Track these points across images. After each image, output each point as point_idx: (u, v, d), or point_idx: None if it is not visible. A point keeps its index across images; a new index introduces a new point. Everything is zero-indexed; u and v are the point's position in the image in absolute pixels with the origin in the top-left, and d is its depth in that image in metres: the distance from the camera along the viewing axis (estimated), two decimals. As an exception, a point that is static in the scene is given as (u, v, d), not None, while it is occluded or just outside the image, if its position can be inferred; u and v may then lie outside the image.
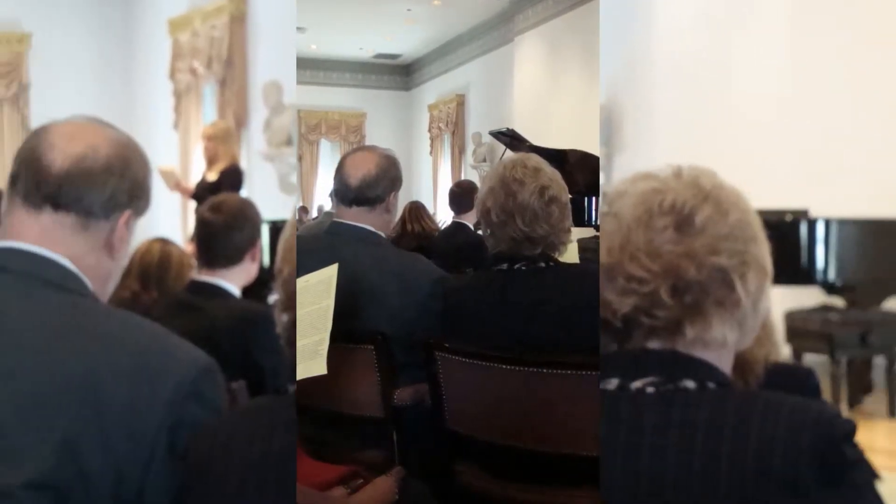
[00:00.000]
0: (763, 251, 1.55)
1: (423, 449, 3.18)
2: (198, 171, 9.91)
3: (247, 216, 3.55)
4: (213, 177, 8.18)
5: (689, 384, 1.47)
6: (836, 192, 7.62)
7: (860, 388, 7.17)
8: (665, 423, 1.43)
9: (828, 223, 6.79)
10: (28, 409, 1.60)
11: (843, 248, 6.82)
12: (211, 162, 8.36)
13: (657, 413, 1.45)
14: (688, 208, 1.50)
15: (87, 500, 1.59)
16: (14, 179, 1.82)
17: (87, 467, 1.59)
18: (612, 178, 10.29)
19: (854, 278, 6.90)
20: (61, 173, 1.78)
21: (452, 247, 6.39)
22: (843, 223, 6.85)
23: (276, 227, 7.42)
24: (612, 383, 1.51)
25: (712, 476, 1.37)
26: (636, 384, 1.48)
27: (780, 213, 6.88)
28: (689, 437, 1.40)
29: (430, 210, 10.29)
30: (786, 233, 6.72)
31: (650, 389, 1.48)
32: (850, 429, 1.39)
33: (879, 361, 7.03)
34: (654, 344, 1.52)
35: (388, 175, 3.58)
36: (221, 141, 8.37)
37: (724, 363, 1.55)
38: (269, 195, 9.96)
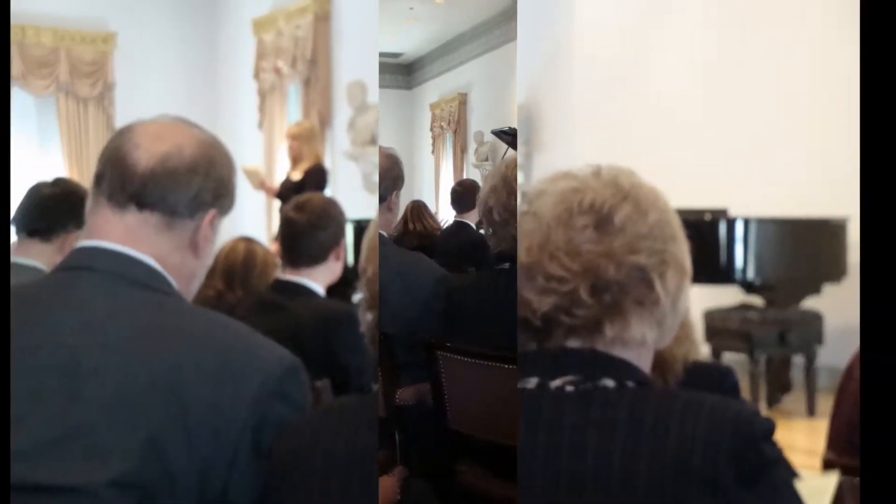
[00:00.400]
0: (682, 250, 1.55)
1: (425, 449, 3.20)
2: (282, 170, 10.01)
3: (331, 215, 3.57)
4: (297, 176, 8.25)
5: (609, 383, 1.46)
6: (755, 191, 7.73)
7: (779, 386, 7.28)
8: (584, 422, 1.43)
9: (747, 222, 6.86)
10: (113, 408, 1.60)
11: (762, 247, 6.90)
12: (295, 161, 8.45)
13: (576, 412, 1.44)
14: (607, 207, 1.50)
15: (172, 499, 1.60)
16: (99, 179, 1.82)
17: (171, 466, 1.59)
18: (531, 178, 10.32)
19: (773, 277, 6.99)
20: (146, 173, 1.78)
21: (454, 246, 6.34)
22: (761, 223, 6.93)
23: (361, 226, 7.57)
24: (532, 382, 1.50)
25: (631, 475, 1.36)
26: (555, 383, 1.48)
27: (699, 213, 6.95)
28: (608, 436, 1.40)
29: (432, 209, 10.22)
30: (705, 232, 6.78)
31: (569, 388, 1.47)
32: (769, 428, 1.40)
33: (798, 360, 7.14)
34: (573, 343, 1.52)
35: (390, 174, 3.61)
36: (306, 140, 8.48)
37: (644, 362, 1.55)
38: (353, 194, 10.14)
